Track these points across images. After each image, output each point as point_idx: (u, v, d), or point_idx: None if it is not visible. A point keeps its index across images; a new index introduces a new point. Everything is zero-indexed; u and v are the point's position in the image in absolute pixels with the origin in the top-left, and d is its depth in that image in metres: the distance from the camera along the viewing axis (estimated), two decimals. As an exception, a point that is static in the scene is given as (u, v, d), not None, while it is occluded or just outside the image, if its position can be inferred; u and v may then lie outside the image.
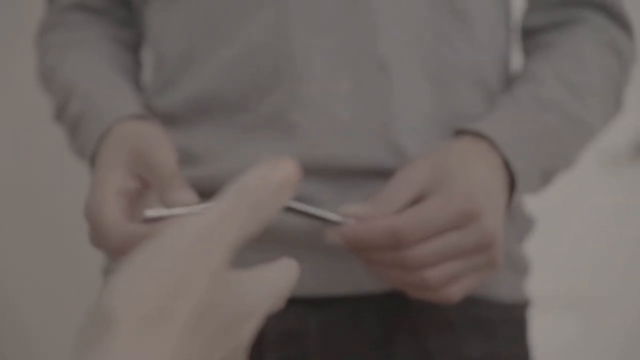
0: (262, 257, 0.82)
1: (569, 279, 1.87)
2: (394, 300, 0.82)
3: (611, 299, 1.91)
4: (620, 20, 0.93)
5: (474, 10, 0.85)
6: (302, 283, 0.82)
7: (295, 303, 0.82)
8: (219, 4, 0.84)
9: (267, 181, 0.45)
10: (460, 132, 0.81)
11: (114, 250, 0.71)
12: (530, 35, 0.95)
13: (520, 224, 0.91)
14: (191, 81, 0.85)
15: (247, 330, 0.47)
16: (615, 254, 1.89)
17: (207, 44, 0.84)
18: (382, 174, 0.80)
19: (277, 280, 0.48)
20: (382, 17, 0.81)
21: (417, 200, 0.74)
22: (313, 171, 0.80)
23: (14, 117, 1.59)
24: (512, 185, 0.79)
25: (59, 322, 1.62)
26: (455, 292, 0.74)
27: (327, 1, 0.81)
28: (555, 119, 0.82)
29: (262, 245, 0.82)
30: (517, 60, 0.95)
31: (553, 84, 0.85)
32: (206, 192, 0.81)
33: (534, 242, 0.98)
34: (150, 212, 0.64)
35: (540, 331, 1.09)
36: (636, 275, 1.92)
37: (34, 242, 1.62)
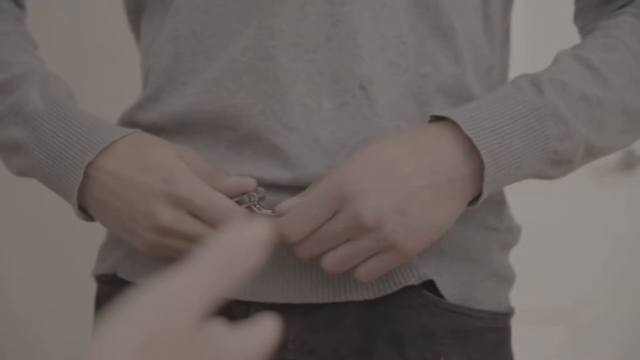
0: None
1: (555, 292, 1.87)
2: (374, 308, 0.82)
3: (598, 311, 1.90)
4: None
5: (457, 28, 0.84)
6: (282, 291, 0.82)
7: (276, 310, 0.82)
8: (205, 23, 0.84)
9: (238, 242, 0.45)
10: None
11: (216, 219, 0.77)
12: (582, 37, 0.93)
13: (505, 233, 0.90)
14: (175, 98, 0.85)
15: None
16: (602, 266, 1.89)
17: (192, 62, 0.85)
18: None
19: (259, 336, 0.48)
20: (365, 37, 0.81)
21: None
22: (297, 190, 0.80)
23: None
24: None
25: (59, 322, 1.61)
26: (361, 274, 0.77)
27: (310, 22, 0.81)
28: (557, 97, 0.79)
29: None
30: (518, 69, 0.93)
31: (565, 64, 0.83)
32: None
33: (521, 254, 0.97)
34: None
35: (526, 344, 1.08)
36: (622, 287, 1.92)
37: (34, 242, 1.61)
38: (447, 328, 0.83)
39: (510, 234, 0.91)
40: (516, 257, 0.94)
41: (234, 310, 0.83)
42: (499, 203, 0.90)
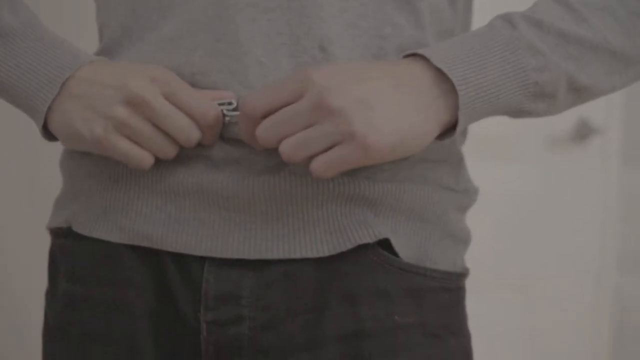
0: (197, 216, 0.82)
1: (509, 260, 1.88)
2: (329, 265, 0.82)
3: (554, 281, 1.93)
4: None
5: None
6: (237, 246, 0.82)
7: (231, 265, 0.83)
8: None
9: None
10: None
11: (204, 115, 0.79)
12: None
13: (462, 194, 0.91)
14: (131, 52, 0.84)
15: None
16: (552, 236, 1.92)
17: (147, 18, 0.84)
18: None
19: None
20: None
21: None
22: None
23: (11, 117, 1.55)
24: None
25: None
26: (318, 165, 0.76)
27: None
28: (531, 33, 0.79)
29: (197, 206, 0.82)
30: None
31: (543, 5, 0.82)
32: None
33: (473, 219, 0.98)
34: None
35: (480, 310, 1.09)
36: (572, 257, 1.94)
37: (34, 242, 1.60)
38: (401, 287, 0.84)
39: (467, 195, 0.92)
40: (469, 221, 0.95)
41: (190, 265, 0.83)
42: (457, 164, 0.91)
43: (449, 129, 0.80)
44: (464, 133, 0.93)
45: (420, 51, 0.78)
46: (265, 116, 0.77)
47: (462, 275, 0.90)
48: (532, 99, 0.80)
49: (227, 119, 0.80)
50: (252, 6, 0.81)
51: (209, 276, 0.83)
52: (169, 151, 0.81)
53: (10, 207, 1.61)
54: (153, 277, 0.85)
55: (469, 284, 0.92)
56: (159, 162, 0.82)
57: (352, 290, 0.83)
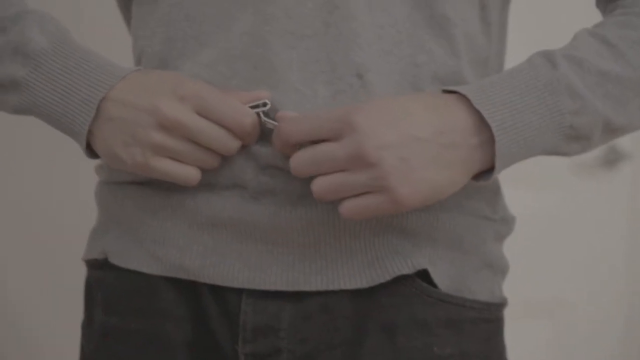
0: (234, 248, 0.82)
1: (537, 286, 1.87)
2: (367, 297, 0.82)
3: (582, 305, 1.91)
4: None
5: (451, 18, 0.84)
6: (274, 278, 0.82)
7: (268, 297, 0.82)
8: (199, 7, 0.83)
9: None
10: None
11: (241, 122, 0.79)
12: None
13: (499, 223, 0.90)
14: None
15: None
16: (582, 261, 1.90)
17: (185, 47, 0.84)
18: None
19: None
20: (361, 25, 0.81)
21: None
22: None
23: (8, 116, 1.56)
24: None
25: (59, 322, 1.60)
26: (347, 206, 0.76)
27: (306, 9, 0.81)
28: (572, 72, 0.79)
29: (234, 238, 0.82)
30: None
31: (581, 41, 0.82)
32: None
33: (506, 247, 0.97)
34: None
35: (513, 337, 1.08)
36: (602, 282, 1.93)
37: (34, 242, 1.61)
38: (440, 318, 0.83)
39: (504, 224, 0.91)
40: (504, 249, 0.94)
41: (227, 297, 0.83)
42: (494, 193, 0.90)
43: (485, 172, 0.79)
44: None
45: (461, 90, 0.78)
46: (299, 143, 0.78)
47: (500, 305, 0.89)
48: (566, 142, 0.80)
49: (263, 120, 0.80)
50: (290, 33, 0.81)
51: (246, 308, 0.83)
52: (212, 162, 0.80)
53: (9, 208, 1.61)
54: (190, 309, 0.84)
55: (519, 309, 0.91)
56: (195, 193, 0.82)
57: (390, 321, 0.82)
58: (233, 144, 0.80)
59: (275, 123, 0.79)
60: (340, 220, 0.81)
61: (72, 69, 0.81)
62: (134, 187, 0.86)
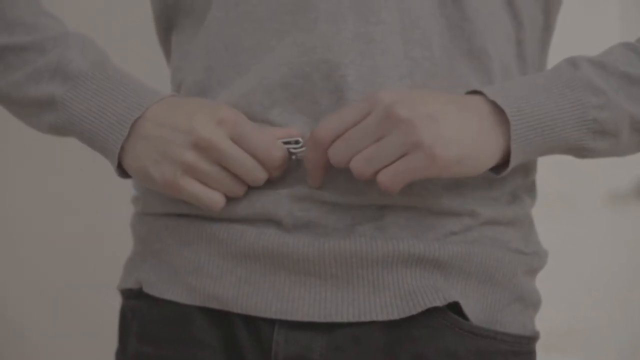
0: (267, 279, 0.83)
1: (570, 317, 1.86)
2: (398, 328, 0.82)
3: (610, 335, 1.90)
4: None
5: (489, 51, 0.85)
6: (307, 309, 0.82)
7: (301, 328, 0.83)
8: (237, 37, 0.85)
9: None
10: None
11: (273, 159, 0.80)
12: None
13: (531, 257, 0.90)
14: None
15: None
16: (619, 291, 1.89)
17: (223, 76, 0.85)
18: None
19: None
20: (396, 59, 0.82)
21: None
22: (329, 202, 0.82)
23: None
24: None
25: (58, 322, 1.61)
26: (386, 177, 0.77)
27: (343, 39, 0.82)
28: (594, 74, 0.80)
29: (267, 269, 0.83)
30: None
31: (612, 49, 0.83)
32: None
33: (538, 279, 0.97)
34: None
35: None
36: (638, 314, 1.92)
37: (34, 242, 1.62)
38: (471, 350, 0.83)
39: (536, 258, 0.91)
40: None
41: (260, 327, 0.84)
42: (526, 227, 0.91)
43: (504, 164, 0.80)
44: (533, 196, 0.93)
45: (478, 88, 0.80)
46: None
47: (532, 338, 0.89)
48: (591, 136, 0.80)
49: (293, 157, 0.82)
50: (326, 63, 0.82)
51: (278, 338, 0.83)
52: (237, 190, 0.82)
53: (9, 208, 1.62)
54: (223, 338, 0.85)
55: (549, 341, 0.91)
56: (229, 225, 0.84)
57: (421, 353, 0.83)
58: (261, 175, 0.81)
59: (305, 149, 0.81)
60: (373, 252, 0.81)
61: (109, 90, 0.83)
62: (168, 219, 0.87)
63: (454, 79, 0.83)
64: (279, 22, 0.83)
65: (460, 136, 0.77)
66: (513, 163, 0.80)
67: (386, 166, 0.77)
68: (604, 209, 1.88)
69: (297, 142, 0.81)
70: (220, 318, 0.85)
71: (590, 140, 0.80)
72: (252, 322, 0.84)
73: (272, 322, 0.83)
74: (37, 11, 0.88)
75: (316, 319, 0.82)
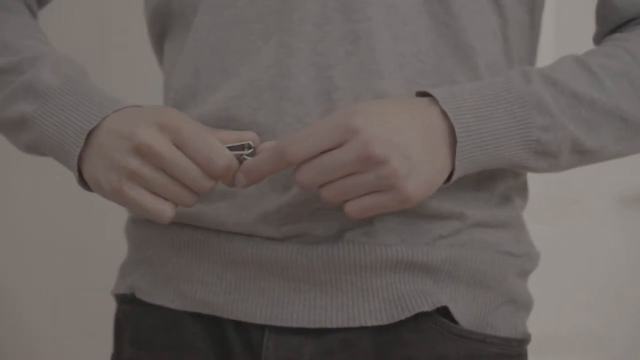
0: (258, 285, 0.83)
1: (573, 320, 1.85)
2: (388, 333, 0.83)
3: (629, 341, 1.89)
4: None
5: (476, 47, 0.85)
6: (297, 314, 0.83)
7: (290, 333, 0.84)
8: (224, 40, 0.85)
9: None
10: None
11: (221, 168, 0.77)
12: None
13: (522, 259, 0.91)
14: (192, 113, 0.86)
15: None
16: (629, 292, 1.88)
17: (211, 79, 0.86)
18: None
19: None
20: (384, 55, 0.82)
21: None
22: (317, 210, 0.82)
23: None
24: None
25: (58, 322, 1.62)
26: (353, 207, 0.76)
27: (329, 39, 0.82)
28: (544, 90, 0.80)
29: (257, 275, 0.84)
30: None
31: (562, 64, 0.83)
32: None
33: (537, 282, 0.97)
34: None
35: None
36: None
37: (34, 242, 1.63)
38: (460, 354, 0.84)
39: (528, 260, 0.91)
40: (549, 282, 0.94)
41: (250, 333, 0.85)
42: (517, 229, 0.91)
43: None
44: (524, 197, 0.93)
45: (432, 92, 0.79)
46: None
47: (523, 341, 0.89)
48: (533, 156, 0.81)
49: (243, 159, 0.79)
50: (313, 65, 0.82)
51: (268, 343, 0.84)
52: (187, 199, 0.78)
53: (11, 208, 1.63)
54: (215, 343, 0.86)
55: (547, 345, 0.91)
56: (219, 232, 0.84)
57: (411, 357, 0.83)
58: (205, 183, 0.77)
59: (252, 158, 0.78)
60: (362, 258, 0.82)
61: (74, 104, 0.83)
62: (162, 225, 0.88)
63: (441, 75, 0.83)
64: (264, 23, 0.83)
65: (427, 173, 0.77)
66: (455, 178, 0.80)
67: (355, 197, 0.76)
68: (616, 212, 1.87)
69: (249, 147, 0.79)
70: (212, 323, 0.86)
71: (532, 159, 0.81)
72: (242, 328, 0.85)
73: (262, 328, 0.84)
74: (23, 35, 0.89)
75: (306, 325, 0.83)
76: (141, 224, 0.91)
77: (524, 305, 0.91)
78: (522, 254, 0.90)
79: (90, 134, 0.81)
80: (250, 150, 0.79)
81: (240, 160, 0.78)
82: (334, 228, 0.82)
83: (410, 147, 0.75)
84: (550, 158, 0.82)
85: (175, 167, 0.77)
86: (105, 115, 0.81)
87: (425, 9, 0.84)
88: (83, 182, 0.83)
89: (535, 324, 0.95)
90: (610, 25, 0.92)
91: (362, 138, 0.74)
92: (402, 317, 0.82)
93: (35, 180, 1.61)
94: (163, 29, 0.94)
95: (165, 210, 0.78)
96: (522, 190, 0.93)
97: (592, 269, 1.86)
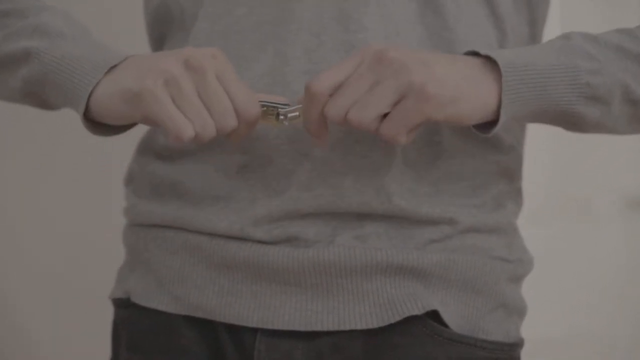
0: (249, 288, 0.84)
1: (587, 322, 1.85)
2: (378, 336, 0.83)
3: (633, 342, 1.88)
4: None
5: (460, 33, 0.85)
6: (288, 318, 0.84)
7: (282, 336, 0.84)
8: (223, 48, 0.85)
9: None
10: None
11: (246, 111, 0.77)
12: None
13: (515, 264, 0.91)
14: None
15: None
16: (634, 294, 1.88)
17: None
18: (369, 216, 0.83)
19: None
20: None
21: None
22: (308, 214, 0.83)
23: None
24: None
25: (57, 326, 1.63)
26: (386, 129, 0.75)
27: (325, 49, 0.83)
28: (587, 44, 0.80)
29: (249, 278, 0.85)
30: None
31: (601, 33, 0.83)
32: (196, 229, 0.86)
33: (533, 285, 0.97)
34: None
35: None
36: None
37: (34, 242, 1.64)
38: (451, 357, 0.84)
39: (520, 265, 0.92)
40: (557, 283, 0.94)
41: (243, 336, 0.85)
42: (510, 234, 0.91)
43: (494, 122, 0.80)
44: (519, 203, 0.93)
45: (469, 50, 0.80)
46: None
47: (515, 345, 0.90)
48: (583, 101, 0.79)
49: (281, 117, 0.79)
50: (307, 73, 0.83)
51: (260, 346, 0.85)
52: (208, 129, 0.77)
53: (9, 207, 1.64)
54: (209, 347, 0.87)
55: (548, 346, 0.91)
56: (211, 236, 0.85)
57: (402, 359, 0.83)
58: (231, 121, 0.77)
59: (296, 113, 0.79)
60: (353, 262, 0.82)
61: (86, 46, 0.83)
62: (156, 230, 0.89)
63: None
64: (262, 32, 0.84)
65: (453, 77, 0.76)
66: (503, 116, 0.78)
67: (384, 113, 0.76)
68: (619, 214, 1.86)
69: (286, 105, 0.80)
70: (205, 327, 0.87)
71: (582, 105, 0.79)
72: (235, 331, 0.86)
73: (254, 331, 0.85)
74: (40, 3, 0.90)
75: (297, 328, 0.83)
76: (137, 229, 0.92)
77: (517, 310, 0.91)
78: (514, 260, 0.91)
79: (109, 70, 0.81)
80: (286, 105, 0.79)
81: (278, 114, 0.79)
82: (325, 232, 0.83)
83: (428, 58, 0.76)
84: (601, 104, 0.80)
85: (213, 95, 0.76)
86: (129, 56, 0.81)
87: (420, 21, 0.85)
88: (87, 121, 0.83)
89: (537, 326, 0.95)
90: None
91: (375, 48, 0.76)
92: (393, 321, 0.82)
93: (36, 180, 1.62)
94: (162, 33, 0.95)
95: (188, 128, 0.76)
96: (516, 196, 0.93)
97: (594, 271, 1.85)
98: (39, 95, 0.87)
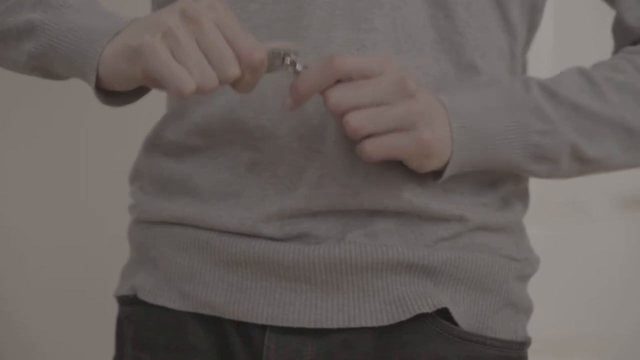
0: (259, 285, 0.84)
1: (583, 322, 1.86)
2: (388, 334, 0.83)
3: (625, 342, 1.89)
4: None
5: (478, 65, 0.86)
6: (297, 315, 0.83)
7: (291, 333, 0.84)
8: None
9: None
10: None
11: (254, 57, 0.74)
12: None
13: (522, 263, 0.91)
14: (198, 113, 0.86)
15: None
16: (631, 296, 1.89)
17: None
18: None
19: None
20: None
21: None
22: (319, 212, 0.83)
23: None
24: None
25: (59, 324, 1.63)
26: (373, 146, 0.77)
27: (335, 46, 0.82)
28: (543, 100, 0.83)
29: (258, 275, 0.84)
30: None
31: (566, 75, 0.86)
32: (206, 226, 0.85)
33: (542, 283, 0.98)
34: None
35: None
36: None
37: (34, 243, 1.63)
38: (460, 356, 0.84)
39: (527, 264, 0.92)
40: (549, 283, 0.94)
41: (252, 333, 0.85)
42: (518, 233, 0.91)
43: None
44: (525, 203, 0.94)
45: (444, 99, 0.82)
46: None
47: (523, 344, 0.90)
48: (532, 160, 0.83)
49: (288, 61, 0.77)
50: None
51: (269, 343, 0.84)
52: (209, 79, 0.74)
53: (10, 208, 1.64)
54: (217, 344, 0.86)
55: (548, 347, 0.91)
56: (221, 232, 0.85)
57: (411, 358, 0.83)
58: (234, 69, 0.74)
59: (302, 66, 0.78)
60: (363, 259, 0.82)
61: (91, 16, 0.83)
62: (164, 227, 0.89)
63: (442, 90, 0.84)
64: (273, 29, 0.84)
65: (440, 135, 0.79)
66: (448, 171, 0.82)
67: (377, 134, 0.77)
68: (617, 214, 1.88)
69: (296, 54, 0.78)
70: (213, 324, 0.86)
71: (530, 163, 0.83)
72: (244, 328, 0.85)
73: (263, 328, 0.84)
74: None
75: (306, 325, 0.83)
76: (145, 226, 0.91)
77: (524, 309, 0.92)
78: (521, 259, 0.91)
79: (116, 34, 0.80)
80: (292, 59, 0.77)
81: (284, 58, 0.77)
82: (336, 229, 0.83)
83: (433, 103, 0.79)
84: (550, 163, 0.84)
85: (211, 41, 0.74)
86: (134, 19, 0.81)
87: (431, 24, 0.85)
88: (98, 91, 0.82)
89: (537, 326, 0.95)
90: (625, 43, 0.94)
91: (400, 71, 0.77)
92: (403, 318, 0.82)
93: (36, 180, 1.62)
94: None
95: (188, 80, 0.73)
96: (524, 195, 0.93)
97: (593, 271, 1.86)
98: (46, 68, 0.86)
